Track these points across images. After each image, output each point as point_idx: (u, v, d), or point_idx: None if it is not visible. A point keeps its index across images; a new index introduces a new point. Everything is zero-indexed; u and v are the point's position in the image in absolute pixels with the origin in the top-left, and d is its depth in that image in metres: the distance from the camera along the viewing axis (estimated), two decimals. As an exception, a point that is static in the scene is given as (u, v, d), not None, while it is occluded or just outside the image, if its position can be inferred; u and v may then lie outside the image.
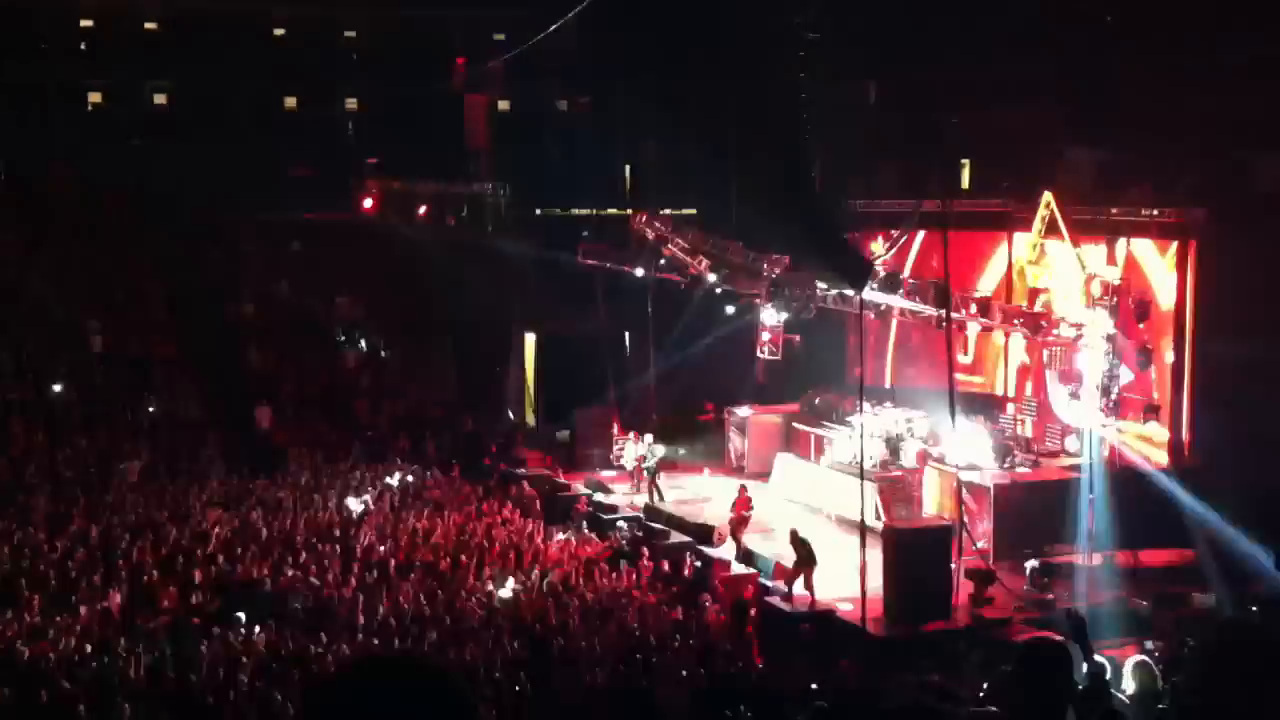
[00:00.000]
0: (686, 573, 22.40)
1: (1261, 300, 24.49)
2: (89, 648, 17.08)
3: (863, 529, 21.18)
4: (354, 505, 24.30)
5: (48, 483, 25.45)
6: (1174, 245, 26.26)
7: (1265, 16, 26.39)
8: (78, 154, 37.37)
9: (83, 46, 41.09)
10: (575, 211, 37.41)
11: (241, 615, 18.34)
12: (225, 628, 17.90)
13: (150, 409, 29.68)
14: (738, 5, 33.65)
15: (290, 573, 20.33)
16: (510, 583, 20.41)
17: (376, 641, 17.40)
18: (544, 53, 41.10)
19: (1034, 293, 27.21)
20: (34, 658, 16.59)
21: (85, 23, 41.12)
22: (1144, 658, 13.44)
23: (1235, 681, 4.70)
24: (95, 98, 41.30)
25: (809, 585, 21.61)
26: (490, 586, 20.28)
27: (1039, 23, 29.43)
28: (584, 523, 25.45)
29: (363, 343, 33.82)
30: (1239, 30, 27.06)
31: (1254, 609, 19.81)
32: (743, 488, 25.50)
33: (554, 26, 31.45)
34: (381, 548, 21.94)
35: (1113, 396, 24.46)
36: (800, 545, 21.81)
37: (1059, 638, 5.48)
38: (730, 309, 29.64)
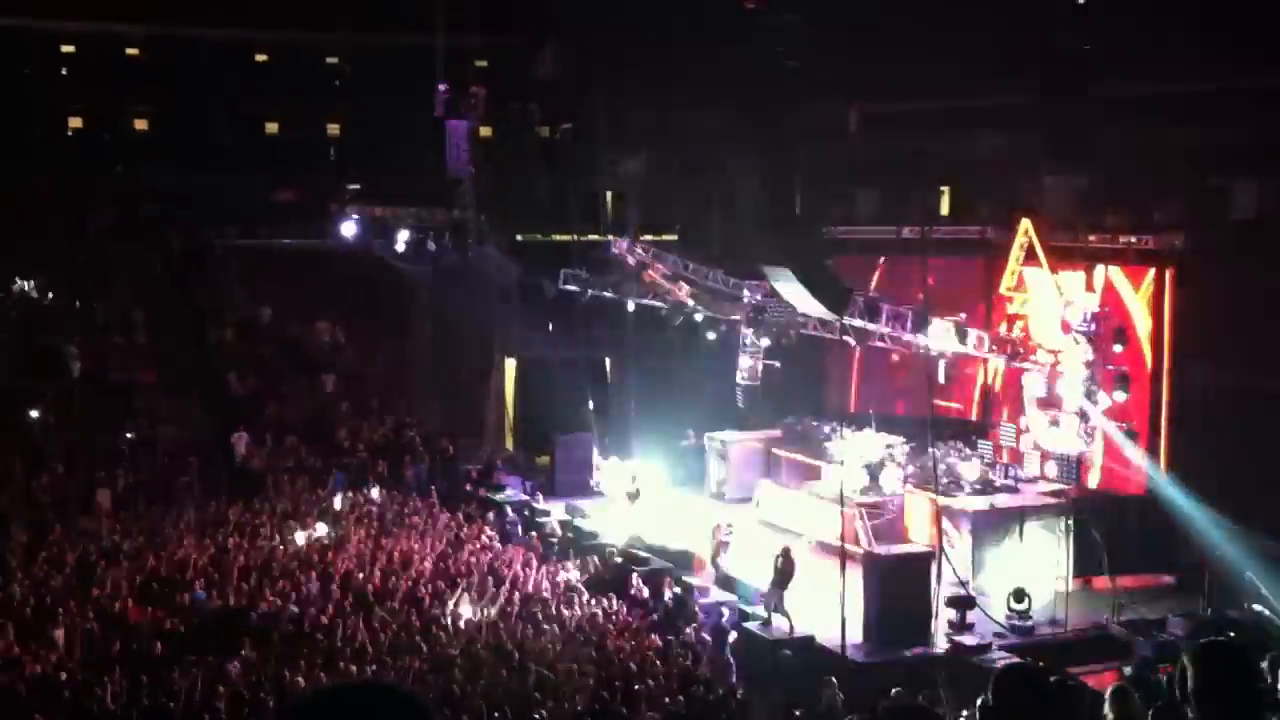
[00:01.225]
0: (666, 599, 22.36)
1: (1238, 327, 24.67)
2: (64, 676, 16.96)
3: (843, 555, 21.19)
4: (321, 530, 24.09)
5: (24, 509, 25.31)
6: (1151, 272, 26.43)
7: (1241, 46, 26.68)
8: (59, 178, 37.35)
9: (64, 72, 41.06)
10: (556, 237, 37.48)
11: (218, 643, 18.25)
12: (202, 655, 17.79)
13: (130, 435, 29.54)
14: (719, 32, 33.84)
15: (268, 599, 20.24)
16: (466, 601, 20.50)
17: (354, 669, 17.30)
18: (526, 79, 41.29)
19: (1012, 319, 27.34)
20: (9, 687, 16.46)
21: (67, 48, 41.11)
22: (1123, 685, 13.46)
23: (1214, 707, 4.71)
24: (76, 122, 41.26)
25: (781, 606, 21.61)
26: (455, 607, 20.29)
27: (1018, 51, 29.67)
28: (568, 549, 25.42)
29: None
30: (1216, 60, 27.33)
31: (1231, 634, 19.90)
32: (722, 513, 25.50)
33: (536, 54, 31.57)
34: (360, 574, 21.86)
35: (1091, 423, 24.58)
36: (786, 564, 21.76)
37: (1034, 663, 5.50)
38: (711, 335, 29.70)
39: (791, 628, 21.29)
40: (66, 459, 27.80)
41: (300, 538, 23.83)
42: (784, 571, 21.69)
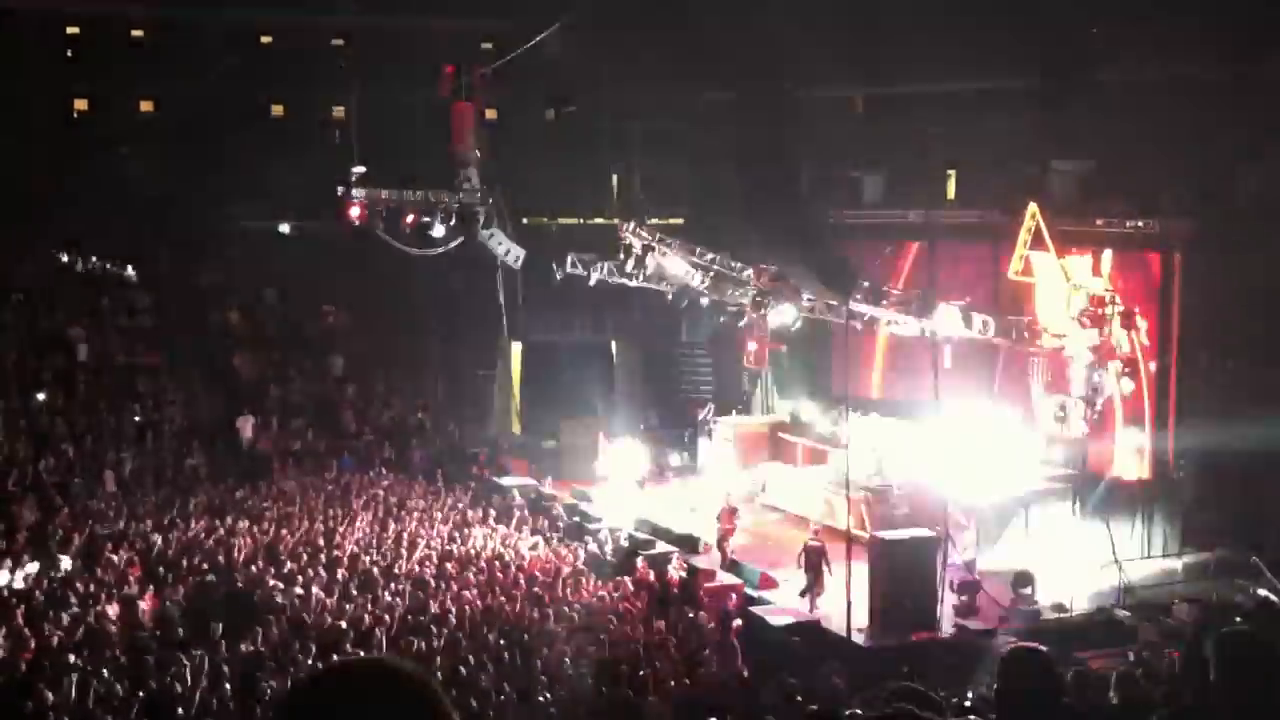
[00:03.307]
0: (672, 582, 22.40)
1: (1245, 311, 24.62)
2: (71, 658, 16.99)
3: (848, 539, 21.22)
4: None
5: (31, 492, 25.36)
6: (1158, 257, 26.37)
7: (1246, 30, 26.58)
8: (64, 162, 37.30)
9: (69, 54, 40.99)
10: (563, 221, 37.44)
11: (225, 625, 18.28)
12: (208, 637, 17.83)
13: (136, 418, 29.59)
14: (725, 16, 33.74)
15: (272, 582, 20.27)
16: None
17: (360, 651, 17.33)
18: (532, 62, 41.15)
19: (1018, 303, 27.30)
20: (17, 668, 16.50)
21: (71, 30, 41.02)
22: (1128, 669, 13.49)
23: (1240, 694, 4.71)
24: (81, 105, 41.20)
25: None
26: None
27: (1024, 35, 29.57)
28: (574, 533, 25.45)
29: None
30: (1221, 44, 27.23)
31: (1239, 620, 19.90)
32: (729, 497, 25.51)
33: (541, 35, 31.47)
34: (366, 557, 21.90)
35: (1097, 408, 24.56)
36: (808, 562, 21.90)
37: (1042, 647, 5.49)
38: (718, 319, 29.69)
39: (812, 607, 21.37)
40: (73, 442, 27.85)
41: (306, 520, 23.80)
42: (812, 572, 21.79)
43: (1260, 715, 4.62)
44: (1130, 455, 26.22)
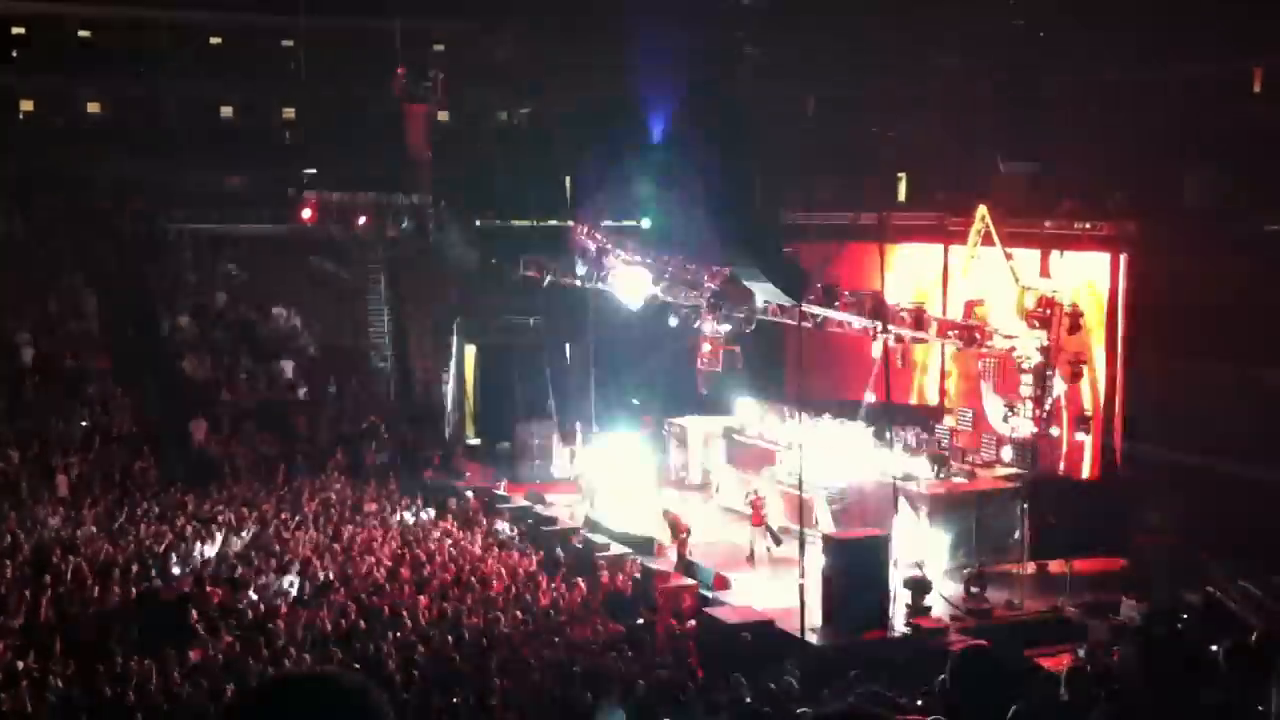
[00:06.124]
0: (625, 584, 22.43)
1: (1191, 312, 24.97)
2: (20, 664, 16.81)
3: (801, 539, 21.32)
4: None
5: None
6: (1106, 257, 26.67)
7: (1192, 37, 26.99)
8: (9, 162, 36.83)
9: (14, 54, 40.49)
10: (516, 223, 37.38)
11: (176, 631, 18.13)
12: (159, 643, 17.68)
13: (84, 422, 29.25)
14: (679, 18, 33.86)
15: (223, 589, 20.13)
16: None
17: (310, 657, 17.25)
18: (485, 63, 41.11)
19: (969, 304, 27.51)
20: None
21: (17, 30, 40.53)
22: (1077, 667, 13.65)
23: (1159, 692, 4.81)
24: (27, 105, 40.71)
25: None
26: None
27: (974, 40, 29.89)
28: (529, 536, 25.42)
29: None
30: (1167, 50, 27.63)
31: (1185, 617, 20.17)
32: (665, 512, 25.58)
33: (493, 37, 31.45)
34: (319, 561, 21.78)
35: (1046, 408, 24.81)
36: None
37: (989, 645, 5.58)
38: (672, 320, 29.74)
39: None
40: (19, 447, 27.49)
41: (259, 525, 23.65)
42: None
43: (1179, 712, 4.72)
44: (1078, 454, 26.49)
